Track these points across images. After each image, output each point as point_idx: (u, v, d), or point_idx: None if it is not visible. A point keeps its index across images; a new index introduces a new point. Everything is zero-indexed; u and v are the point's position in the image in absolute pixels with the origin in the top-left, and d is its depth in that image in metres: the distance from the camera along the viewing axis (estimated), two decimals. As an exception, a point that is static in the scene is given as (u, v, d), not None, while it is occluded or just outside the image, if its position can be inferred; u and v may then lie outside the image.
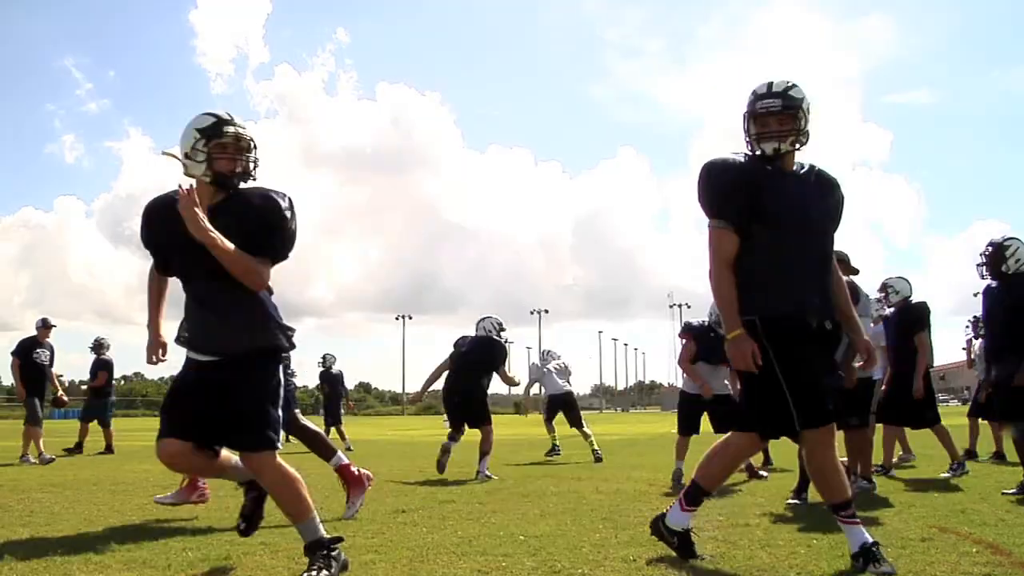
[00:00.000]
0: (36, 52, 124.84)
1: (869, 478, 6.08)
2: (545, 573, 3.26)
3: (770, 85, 3.42)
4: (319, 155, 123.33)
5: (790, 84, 3.40)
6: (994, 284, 5.83)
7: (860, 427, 6.16)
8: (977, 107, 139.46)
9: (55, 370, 10.99)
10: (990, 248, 5.81)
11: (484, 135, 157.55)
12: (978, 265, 5.91)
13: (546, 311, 78.62)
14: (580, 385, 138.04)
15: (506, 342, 8.59)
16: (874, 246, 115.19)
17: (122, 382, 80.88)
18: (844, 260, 6.25)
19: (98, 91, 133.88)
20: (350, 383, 16.20)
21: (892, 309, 7.34)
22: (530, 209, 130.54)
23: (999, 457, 8.89)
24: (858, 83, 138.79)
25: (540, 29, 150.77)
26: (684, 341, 7.24)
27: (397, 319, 75.46)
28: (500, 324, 8.37)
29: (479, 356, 8.06)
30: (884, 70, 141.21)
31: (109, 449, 12.06)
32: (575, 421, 10.41)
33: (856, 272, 6.30)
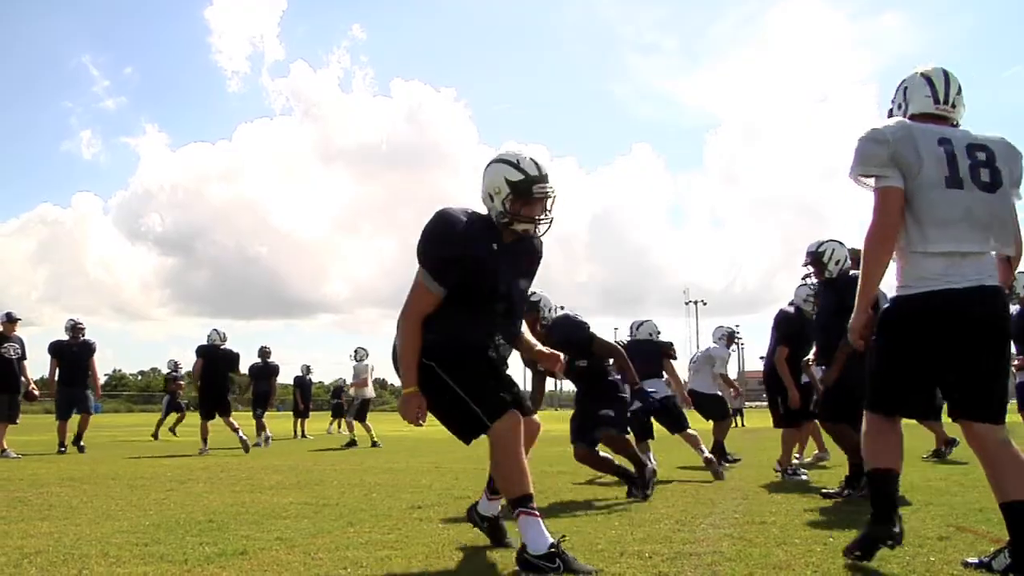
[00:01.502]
0: (54, 50, 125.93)
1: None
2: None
3: (538, 166, 3.45)
4: (334, 152, 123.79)
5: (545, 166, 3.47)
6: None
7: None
8: (995, 105, 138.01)
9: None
10: (809, 258, 5.83)
11: (499, 131, 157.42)
12: (804, 276, 5.98)
13: (561, 308, 78.10)
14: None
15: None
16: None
17: (139, 377, 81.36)
18: (854, 258, 6.23)
19: (115, 88, 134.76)
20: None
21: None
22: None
23: (938, 455, 8.82)
24: (874, 80, 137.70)
25: (555, 26, 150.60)
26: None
27: (412, 315, 75.29)
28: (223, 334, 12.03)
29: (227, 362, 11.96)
30: (901, 67, 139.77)
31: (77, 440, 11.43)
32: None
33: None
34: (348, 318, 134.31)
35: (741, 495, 5.72)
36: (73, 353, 11.61)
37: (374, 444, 12.83)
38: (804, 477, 6.80)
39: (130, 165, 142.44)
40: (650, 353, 8.06)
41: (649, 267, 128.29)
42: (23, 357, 10.77)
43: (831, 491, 5.61)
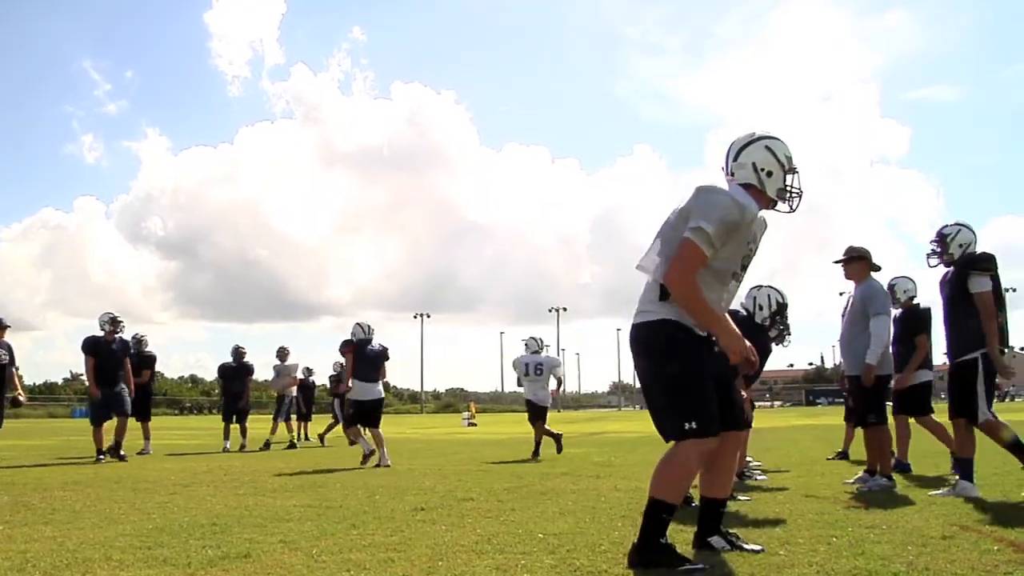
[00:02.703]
0: (54, 54, 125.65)
1: (889, 476, 6.04)
2: (564, 571, 3.25)
3: None
4: (336, 155, 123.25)
5: None
6: None
7: (878, 425, 6.13)
8: (997, 103, 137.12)
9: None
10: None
11: (500, 133, 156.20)
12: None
13: (564, 309, 78.30)
14: (598, 383, 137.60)
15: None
16: (893, 242, 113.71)
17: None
18: (865, 257, 6.22)
19: (116, 92, 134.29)
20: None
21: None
22: (547, 207, 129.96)
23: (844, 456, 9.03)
24: (877, 79, 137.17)
25: (555, 26, 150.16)
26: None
27: (415, 318, 75.67)
28: None
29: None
30: (903, 66, 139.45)
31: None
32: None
33: (878, 269, 6.26)
34: (351, 321, 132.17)
35: (744, 496, 5.71)
36: (112, 350, 10.45)
37: (292, 445, 13.59)
38: (761, 477, 6.98)
39: (132, 169, 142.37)
40: (377, 357, 9.44)
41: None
42: (12, 363, 10.47)
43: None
